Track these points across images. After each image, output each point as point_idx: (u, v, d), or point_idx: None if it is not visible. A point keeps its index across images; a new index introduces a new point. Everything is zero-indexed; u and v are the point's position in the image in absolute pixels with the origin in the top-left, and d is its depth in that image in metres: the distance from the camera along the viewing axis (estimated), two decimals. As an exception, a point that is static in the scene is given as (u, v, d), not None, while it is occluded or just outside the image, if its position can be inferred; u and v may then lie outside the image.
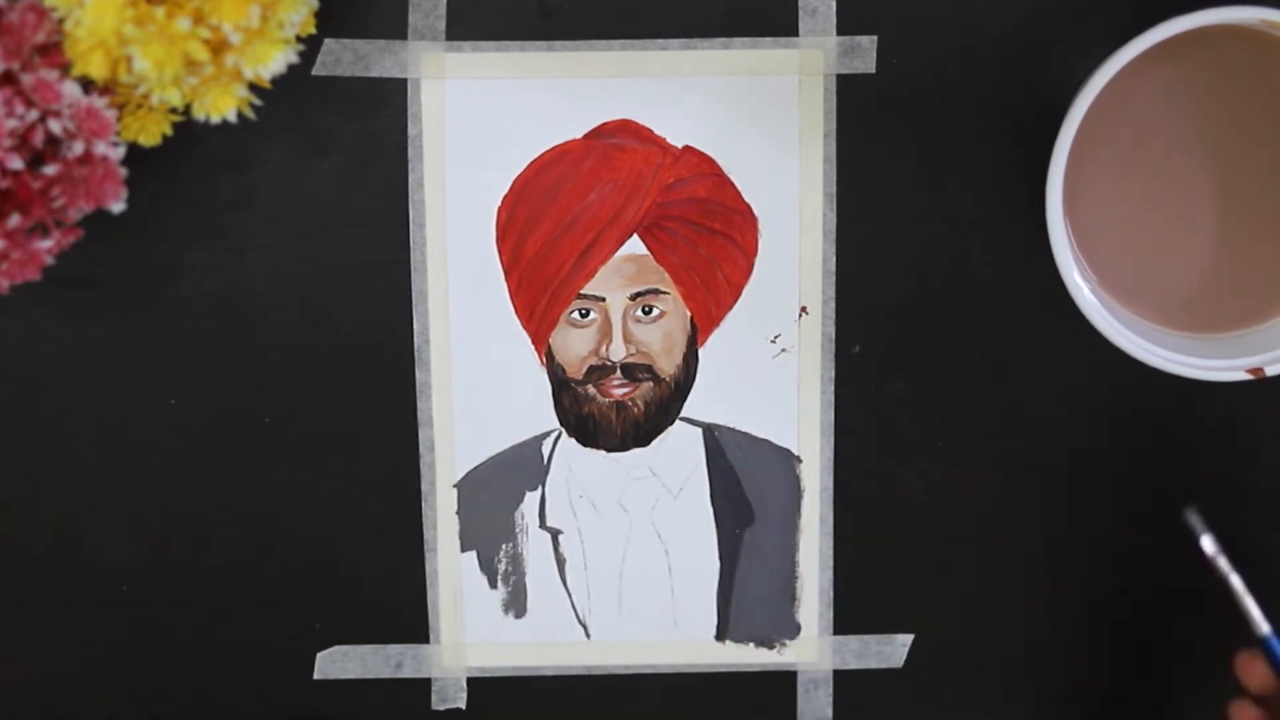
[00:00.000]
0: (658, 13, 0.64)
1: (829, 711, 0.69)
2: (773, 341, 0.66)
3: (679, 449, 0.67)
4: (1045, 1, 0.64)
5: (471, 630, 0.68)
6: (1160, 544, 0.68)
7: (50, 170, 0.57)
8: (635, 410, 0.67)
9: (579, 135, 0.65)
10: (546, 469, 0.67)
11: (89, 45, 0.55)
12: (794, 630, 0.68)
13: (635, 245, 0.66)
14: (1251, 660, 0.63)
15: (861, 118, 0.65)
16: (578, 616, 0.68)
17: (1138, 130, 0.62)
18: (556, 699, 0.69)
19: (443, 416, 0.67)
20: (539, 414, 0.67)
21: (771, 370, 0.67)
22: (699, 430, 0.67)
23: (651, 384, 0.67)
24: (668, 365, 0.67)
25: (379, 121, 0.65)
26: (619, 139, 0.65)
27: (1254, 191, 0.63)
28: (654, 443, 0.67)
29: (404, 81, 0.64)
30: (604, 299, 0.66)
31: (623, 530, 0.68)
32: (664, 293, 0.66)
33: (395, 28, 0.64)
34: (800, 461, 0.67)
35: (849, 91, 0.64)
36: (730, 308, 0.66)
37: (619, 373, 0.67)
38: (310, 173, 0.65)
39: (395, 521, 0.68)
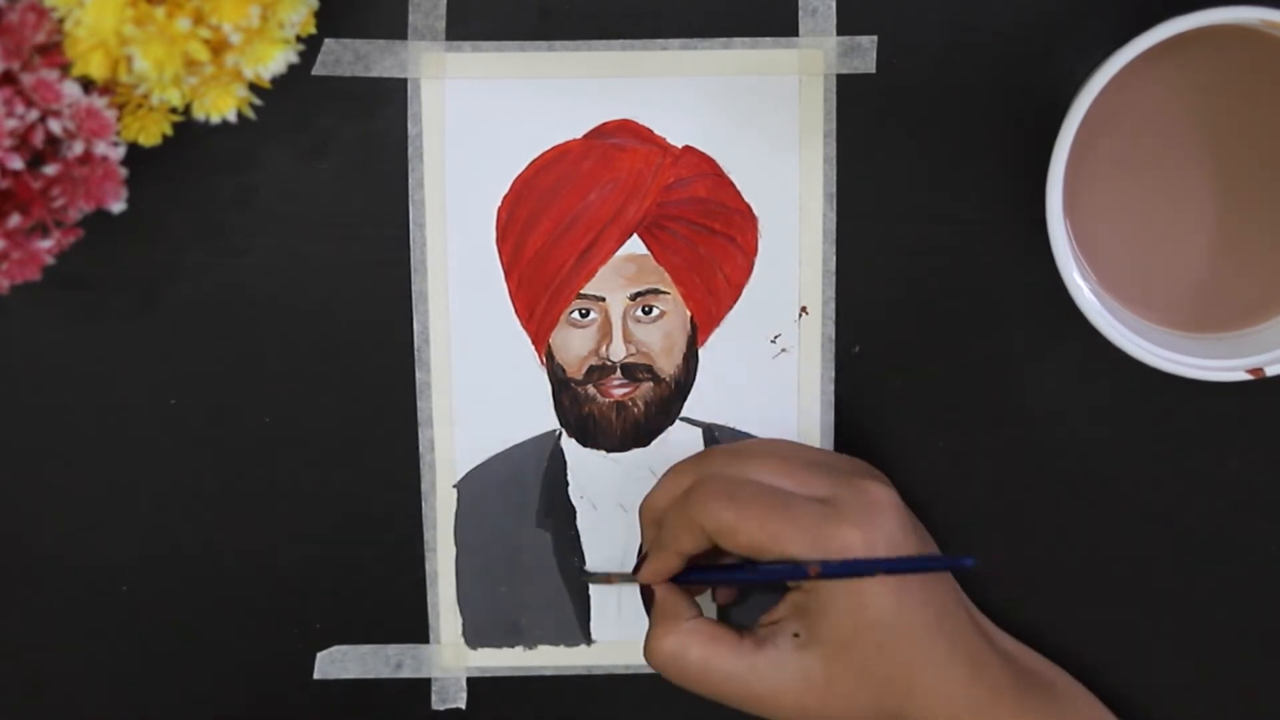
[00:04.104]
0: (658, 13, 0.64)
1: (829, 711, 0.69)
2: (773, 341, 0.66)
3: (679, 449, 0.67)
4: (1045, 2, 0.64)
5: (471, 630, 0.68)
6: (1160, 544, 0.68)
7: (50, 170, 0.57)
8: (635, 410, 0.67)
9: (579, 135, 0.65)
10: (546, 469, 0.67)
11: (89, 45, 0.55)
12: (794, 630, 0.68)
13: (635, 245, 0.66)
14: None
15: (861, 118, 0.65)
16: (577, 617, 0.68)
17: (1138, 130, 0.62)
18: (556, 699, 0.69)
19: (443, 416, 0.67)
20: (539, 414, 0.67)
21: (771, 370, 0.67)
22: (699, 430, 0.67)
23: (651, 384, 0.67)
24: (668, 365, 0.67)
25: (379, 121, 0.65)
26: (619, 139, 0.65)
27: (1254, 191, 0.63)
28: (654, 443, 0.67)
29: (404, 81, 0.64)
30: (604, 299, 0.66)
31: (623, 530, 0.68)
32: (664, 293, 0.66)
33: (395, 28, 0.64)
34: (800, 461, 0.67)
35: (849, 91, 0.64)
36: (730, 308, 0.66)
37: (619, 373, 0.67)
38: (310, 173, 0.65)
39: (395, 521, 0.68)
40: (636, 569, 0.64)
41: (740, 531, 0.59)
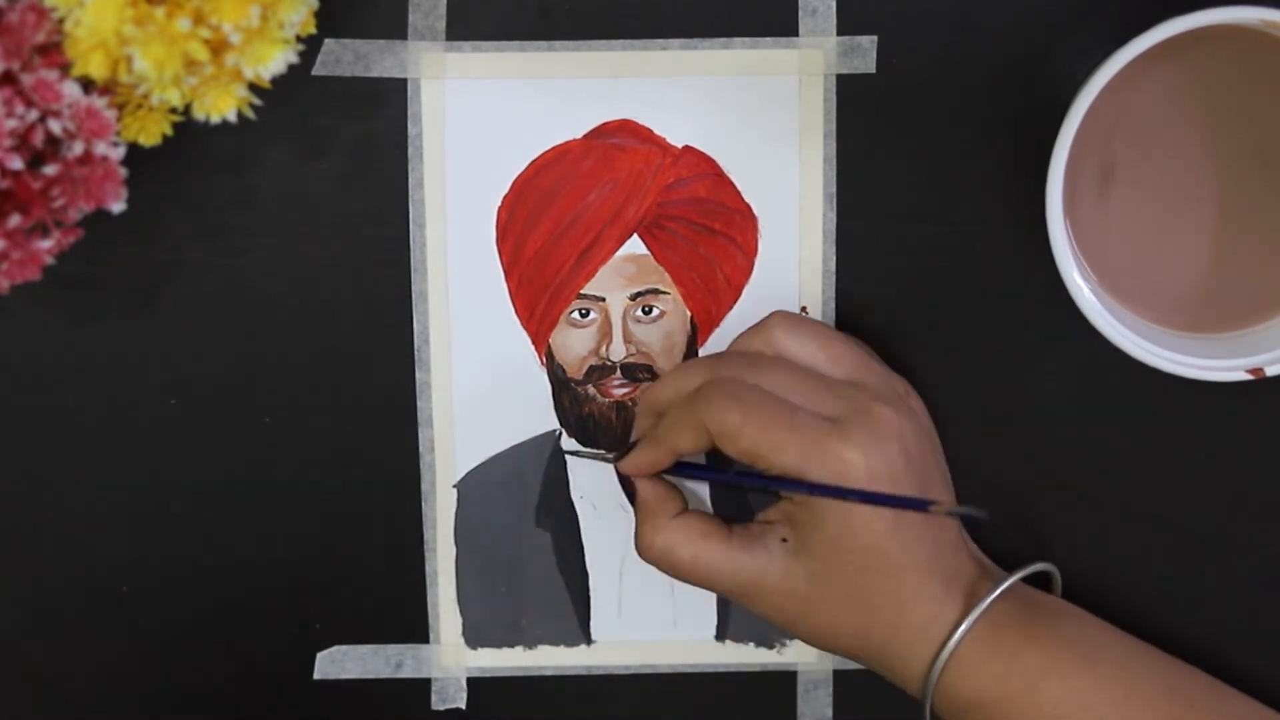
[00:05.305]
0: (658, 13, 0.64)
1: (829, 711, 0.69)
2: (773, 341, 0.66)
3: (679, 449, 0.67)
4: (1045, 2, 0.64)
5: (471, 630, 0.68)
6: (1160, 543, 0.68)
7: (50, 170, 0.57)
8: (635, 410, 0.67)
9: (579, 135, 0.65)
10: (546, 469, 0.67)
11: (89, 45, 0.55)
12: (794, 630, 0.68)
13: (635, 245, 0.66)
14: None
15: (861, 118, 0.65)
16: (577, 617, 0.68)
17: (1138, 130, 0.62)
18: (556, 699, 0.69)
19: (443, 416, 0.67)
20: (539, 414, 0.67)
21: (771, 370, 0.67)
22: (699, 430, 0.67)
23: (651, 384, 0.67)
24: (668, 365, 0.67)
25: (379, 121, 0.65)
26: (619, 139, 0.65)
27: (1254, 191, 0.63)
28: (654, 443, 0.67)
29: (404, 81, 0.64)
30: (604, 299, 0.66)
31: (623, 530, 0.68)
32: (664, 293, 0.66)
33: (395, 28, 0.64)
34: (800, 461, 0.67)
35: (849, 91, 0.64)
36: (730, 308, 0.66)
37: (619, 373, 0.67)
38: (310, 173, 0.65)
39: (395, 521, 0.68)
40: (621, 456, 0.64)
41: (743, 436, 0.59)
